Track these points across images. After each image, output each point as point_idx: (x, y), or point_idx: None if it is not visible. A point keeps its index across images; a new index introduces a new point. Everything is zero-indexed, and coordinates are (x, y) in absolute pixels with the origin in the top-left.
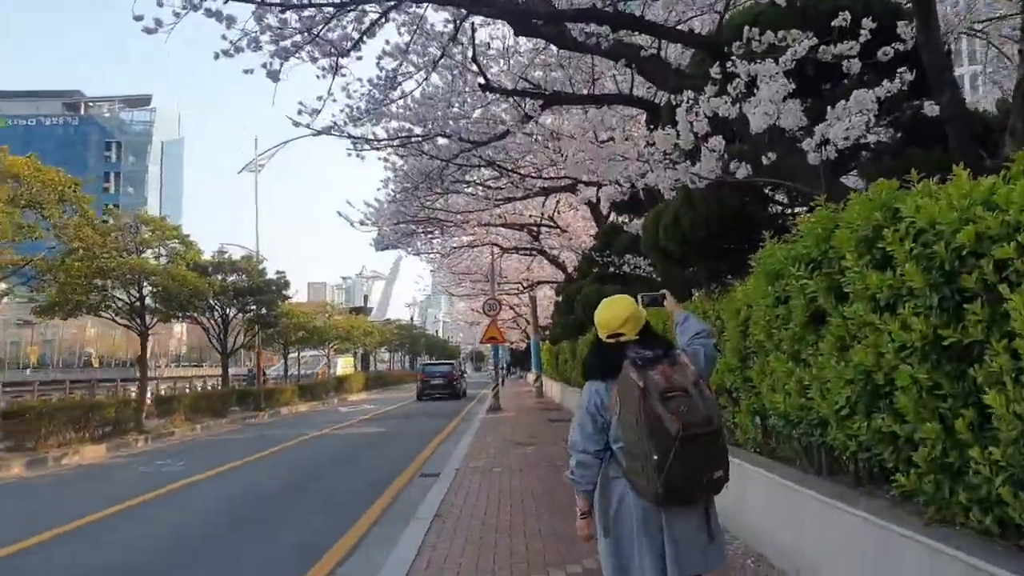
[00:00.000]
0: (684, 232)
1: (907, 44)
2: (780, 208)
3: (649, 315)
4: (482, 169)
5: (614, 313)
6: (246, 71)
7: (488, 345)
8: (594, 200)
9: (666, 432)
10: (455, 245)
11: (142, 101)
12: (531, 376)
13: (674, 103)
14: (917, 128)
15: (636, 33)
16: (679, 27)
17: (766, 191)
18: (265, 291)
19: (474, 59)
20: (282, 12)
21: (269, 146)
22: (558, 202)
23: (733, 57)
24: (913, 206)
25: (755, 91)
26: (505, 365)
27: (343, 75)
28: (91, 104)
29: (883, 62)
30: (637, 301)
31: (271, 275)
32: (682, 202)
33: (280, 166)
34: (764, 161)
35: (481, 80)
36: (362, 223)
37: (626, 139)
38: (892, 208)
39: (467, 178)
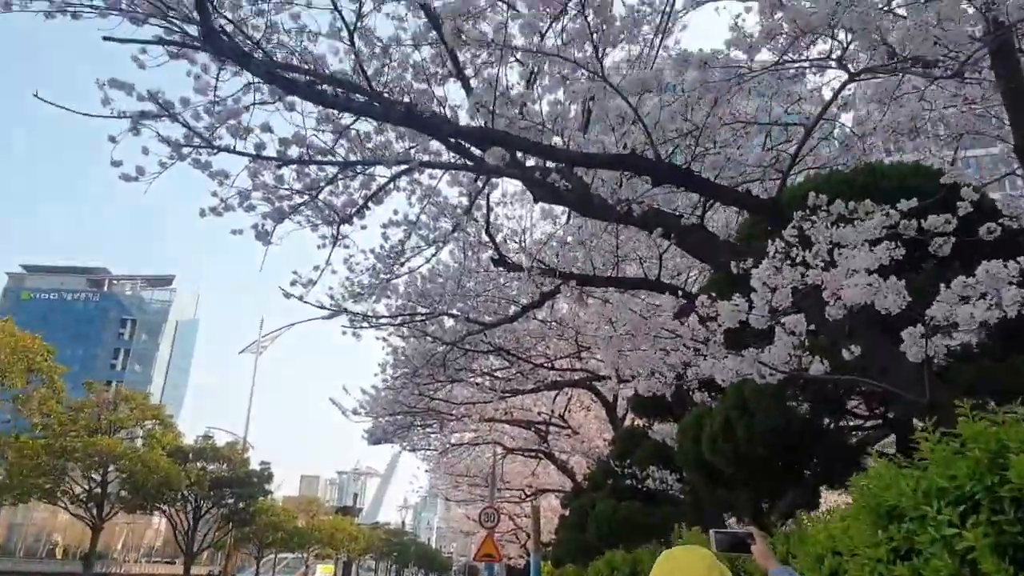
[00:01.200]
0: (738, 445)
1: (1018, 222)
2: (858, 420)
3: None
4: (490, 357)
5: None
6: (234, 231)
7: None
8: (611, 399)
9: None
10: (454, 442)
11: (164, 281)
12: None
13: (737, 271)
14: (1018, 325)
15: (682, 190)
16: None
17: (840, 397)
18: (246, 483)
19: (487, 232)
20: (279, 168)
21: (278, 326)
22: (569, 399)
23: (813, 218)
24: None
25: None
26: None
27: (345, 246)
28: (115, 282)
29: (987, 241)
30: (708, 542)
31: (255, 465)
32: (734, 405)
33: (284, 346)
34: (846, 356)
35: (495, 255)
36: (355, 412)
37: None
38: None
39: (473, 366)
